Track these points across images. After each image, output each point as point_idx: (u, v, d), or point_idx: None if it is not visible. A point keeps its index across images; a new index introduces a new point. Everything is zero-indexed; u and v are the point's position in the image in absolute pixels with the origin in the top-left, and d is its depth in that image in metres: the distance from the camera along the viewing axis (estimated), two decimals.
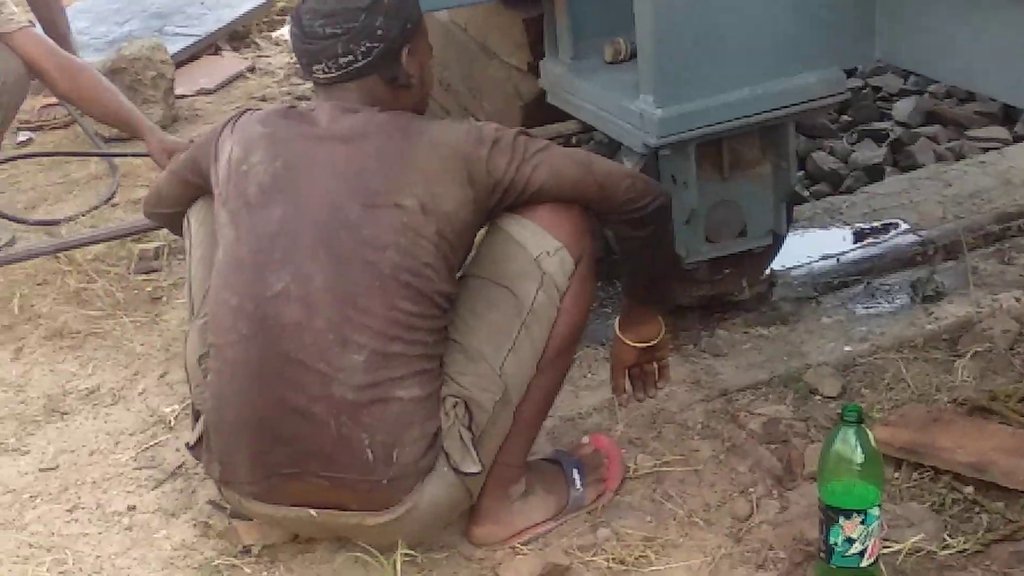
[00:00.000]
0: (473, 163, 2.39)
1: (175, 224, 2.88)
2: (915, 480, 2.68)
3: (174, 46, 5.51)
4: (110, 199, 4.42)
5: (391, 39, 2.47)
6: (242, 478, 2.45)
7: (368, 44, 2.45)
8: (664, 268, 2.73)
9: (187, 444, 2.65)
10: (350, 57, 2.45)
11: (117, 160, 4.70)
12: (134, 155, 4.70)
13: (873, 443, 2.41)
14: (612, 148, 3.09)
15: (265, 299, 2.36)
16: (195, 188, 2.71)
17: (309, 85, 2.56)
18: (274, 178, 2.41)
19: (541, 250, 2.46)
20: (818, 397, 3.02)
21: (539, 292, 2.46)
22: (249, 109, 2.62)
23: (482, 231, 2.53)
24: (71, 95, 4.05)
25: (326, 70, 2.46)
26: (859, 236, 3.74)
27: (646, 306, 2.73)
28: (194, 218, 2.73)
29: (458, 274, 2.47)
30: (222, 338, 2.43)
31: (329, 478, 2.37)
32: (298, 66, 2.54)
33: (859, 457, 2.38)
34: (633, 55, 3.04)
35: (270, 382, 2.36)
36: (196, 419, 2.60)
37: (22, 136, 5.03)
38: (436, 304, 2.38)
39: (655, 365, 2.80)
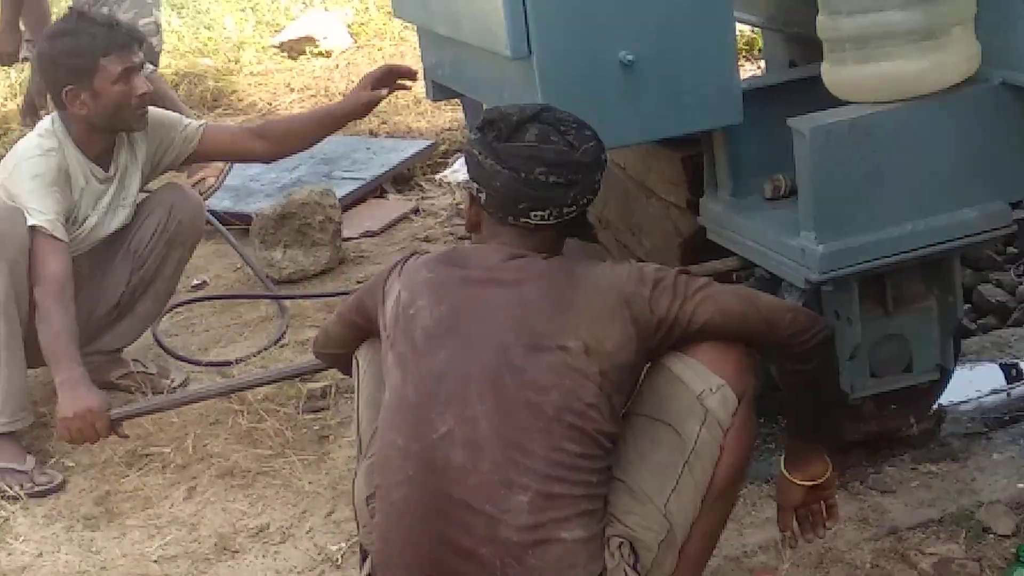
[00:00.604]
0: (636, 303, 2.39)
1: (343, 364, 2.92)
2: None
3: (341, 190, 5.63)
4: (279, 340, 4.51)
5: (596, 194, 2.53)
6: None
7: (589, 198, 2.50)
8: (829, 403, 2.69)
9: None
10: (573, 208, 2.48)
11: (286, 302, 4.80)
12: (303, 296, 4.82)
13: None
14: (774, 284, 3.08)
15: (431, 441, 2.38)
16: (362, 330, 2.75)
17: (490, 222, 2.55)
18: (439, 322, 2.44)
19: (704, 387, 2.45)
20: (991, 536, 2.94)
21: (702, 430, 2.44)
22: (416, 253, 2.66)
23: (645, 370, 2.53)
24: (278, 152, 4.26)
25: (545, 217, 2.47)
26: None
27: (811, 443, 2.69)
28: (362, 359, 2.77)
29: (621, 413, 2.46)
30: (389, 479, 2.44)
31: None
32: (491, 201, 2.49)
33: None
34: (793, 191, 3.04)
35: (436, 523, 2.37)
36: (364, 559, 2.62)
37: (196, 280, 5.15)
38: (599, 444, 2.37)
39: (822, 504, 2.75)
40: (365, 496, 2.59)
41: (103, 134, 3.89)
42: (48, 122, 3.91)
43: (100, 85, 3.75)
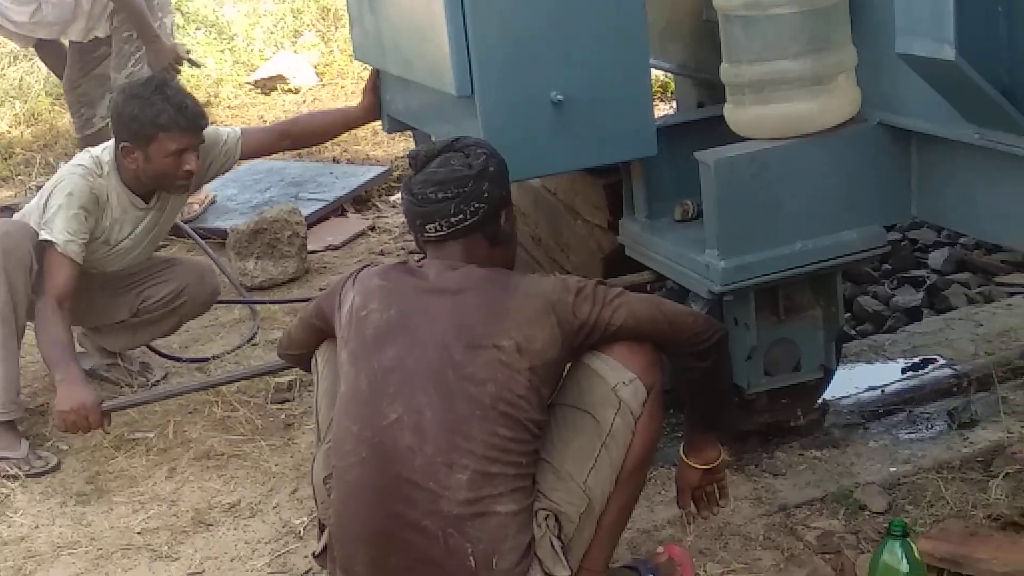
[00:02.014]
0: (560, 309, 2.41)
1: (304, 363, 2.91)
2: None
3: (307, 209, 5.62)
4: (251, 339, 4.50)
5: (493, 202, 2.52)
6: None
7: (476, 205, 2.50)
8: (723, 396, 2.72)
9: (313, 553, 2.66)
10: (460, 216, 2.49)
11: (258, 306, 4.79)
12: (272, 302, 4.80)
13: (917, 554, 2.37)
14: (682, 295, 3.10)
15: (381, 427, 2.38)
16: (321, 333, 2.75)
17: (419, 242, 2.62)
18: (389, 323, 2.45)
19: (618, 380, 2.47)
20: (867, 512, 2.97)
21: (616, 417, 2.47)
22: (368, 265, 2.66)
23: (568, 366, 2.55)
24: (301, 146, 4.32)
25: (438, 228, 2.51)
26: (901, 370, 3.70)
27: (707, 431, 2.71)
28: (320, 357, 2.77)
29: (547, 403, 2.48)
30: (344, 461, 2.44)
31: None
32: (409, 227, 2.59)
33: (904, 567, 2.35)
34: (699, 214, 3.06)
35: (386, 499, 2.37)
36: (321, 531, 2.61)
37: None
38: (529, 430, 2.38)
39: (715, 486, 2.77)
40: (323, 476, 2.58)
41: (148, 185, 3.80)
42: (105, 153, 3.79)
43: (154, 154, 3.65)
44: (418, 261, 2.59)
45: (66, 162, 3.94)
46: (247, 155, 4.08)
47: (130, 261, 3.94)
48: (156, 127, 3.61)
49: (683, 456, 2.73)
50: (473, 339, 2.37)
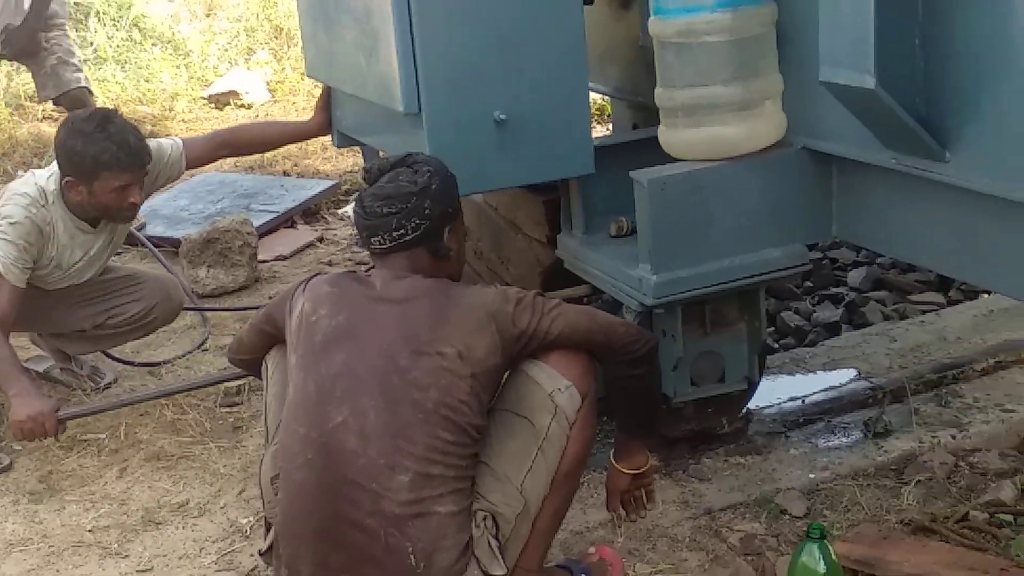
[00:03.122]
0: (500, 318, 2.41)
1: (254, 368, 2.88)
2: None
3: (258, 220, 5.59)
4: (202, 345, 4.45)
5: (435, 218, 2.51)
6: None
7: (417, 221, 2.49)
8: (653, 404, 2.73)
9: (259, 551, 2.64)
10: (402, 231, 2.49)
11: (208, 313, 4.74)
12: (222, 309, 4.76)
13: (833, 556, 2.39)
14: (616, 307, 3.10)
15: (327, 430, 2.37)
16: (271, 338, 2.73)
17: (367, 253, 2.61)
18: (337, 330, 2.44)
19: (554, 387, 2.48)
20: (787, 516, 2.99)
21: (552, 422, 2.47)
22: (318, 273, 2.66)
23: (507, 373, 2.54)
24: (243, 154, 4.26)
25: (381, 242, 2.51)
26: (820, 382, 3.73)
27: (636, 438, 2.72)
28: (271, 362, 2.75)
29: (487, 408, 2.47)
30: (291, 462, 2.43)
31: None
32: (358, 238, 2.59)
33: (822, 568, 2.37)
34: (633, 231, 3.07)
35: (330, 499, 2.36)
36: (268, 530, 2.59)
37: None
38: (469, 434, 2.38)
39: (643, 491, 2.78)
40: (270, 477, 2.57)
41: (93, 215, 3.69)
42: (50, 181, 3.66)
43: (98, 189, 3.55)
44: (367, 271, 2.58)
45: (24, 171, 3.86)
46: (190, 166, 3.95)
47: (89, 276, 3.87)
48: (98, 165, 3.50)
49: (613, 461, 2.73)
50: (418, 346, 2.37)
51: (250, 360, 2.87)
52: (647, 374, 2.59)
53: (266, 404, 2.72)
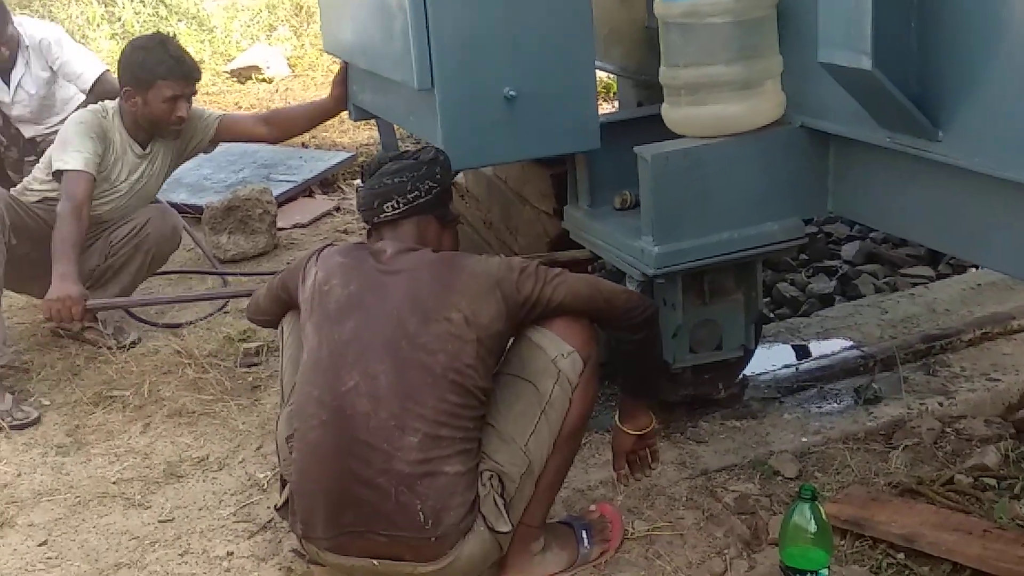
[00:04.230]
0: (505, 285, 2.41)
1: (270, 326, 2.90)
2: (857, 547, 2.65)
3: (277, 189, 5.57)
4: (223, 308, 4.45)
5: (445, 184, 2.54)
6: (319, 534, 2.44)
7: (429, 184, 2.53)
8: (654, 367, 2.73)
9: (275, 506, 2.65)
10: (416, 192, 2.51)
11: (229, 277, 4.75)
12: (243, 274, 4.76)
13: (824, 516, 2.39)
14: (618, 276, 3.10)
15: (340, 393, 2.37)
16: (284, 304, 2.73)
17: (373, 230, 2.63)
18: (349, 298, 2.44)
19: (557, 353, 2.48)
20: (780, 478, 2.99)
21: (555, 386, 2.47)
22: (331, 244, 2.66)
23: (512, 339, 2.54)
24: (280, 137, 4.25)
25: (395, 206, 2.52)
26: (813, 350, 3.73)
27: (639, 399, 2.72)
28: (287, 326, 2.75)
29: (493, 373, 2.47)
30: (305, 423, 2.44)
31: (389, 536, 2.36)
32: (364, 217, 2.60)
33: (812, 527, 2.36)
34: (636, 204, 3.06)
35: (343, 458, 2.36)
36: (283, 486, 2.60)
37: None
38: (476, 397, 2.39)
39: (647, 450, 2.79)
40: (286, 436, 2.57)
41: (145, 129, 3.97)
42: (111, 103, 3.98)
43: (152, 99, 3.86)
44: (376, 243, 2.58)
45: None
46: (225, 136, 4.16)
47: (121, 210, 4.02)
48: (155, 75, 3.82)
49: (618, 423, 2.73)
50: (425, 312, 2.37)
51: (265, 321, 2.89)
52: (648, 339, 2.59)
53: (282, 367, 2.72)
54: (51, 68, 5.32)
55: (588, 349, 2.51)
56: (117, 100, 3.96)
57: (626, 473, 2.79)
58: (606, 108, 6.14)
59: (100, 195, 3.92)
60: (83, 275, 3.97)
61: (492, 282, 2.41)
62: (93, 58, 5.50)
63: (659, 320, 2.67)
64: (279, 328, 2.79)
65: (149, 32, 4.45)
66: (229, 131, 4.15)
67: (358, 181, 5.92)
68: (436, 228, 2.57)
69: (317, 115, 4.16)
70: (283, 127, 4.21)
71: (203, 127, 4.09)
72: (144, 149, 4.00)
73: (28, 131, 5.47)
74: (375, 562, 2.41)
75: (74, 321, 3.63)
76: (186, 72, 3.88)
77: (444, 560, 2.38)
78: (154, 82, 3.83)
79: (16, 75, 5.30)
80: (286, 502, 2.53)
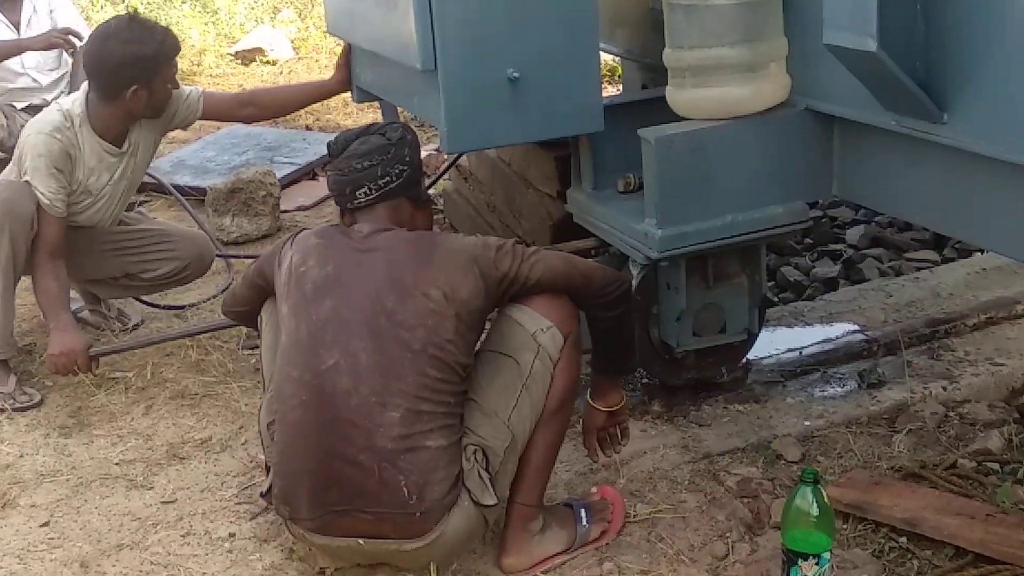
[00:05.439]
0: (482, 262, 2.43)
1: (245, 320, 2.92)
2: (859, 531, 2.65)
3: (281, 172, 5.57)
4: (225, 290, 4.44)
5: (414, 165, 2.56)
6: (304, 515, 2.45)
7: (400, 168, 2.53)
8: (628, 343, 2.71)
9: (260, 492, 2.66)
10: (387, 178, 2.52)
11: (232, 260, 4.74)
12: (246, 256, 4.76)
13: (826, 500, 2.39)
14: (621, 260, 3.10)
15: (320, 372, 2.39)
16: (262, 291, 2.74)
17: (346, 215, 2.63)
18: (326, 278, 2.45)
19: (537, 328, 2.49)
20: (782, 461, 2.99)
21: (535, 361, 2.49)
22: (304, 228, 2.67)
23: (492, 316, 2.56)
24: (263, 117, 4.06)
25: (368, 192, 2.52)
26: (817, 334, 3.72)
27: (611, 376, 2.73)
28: (265, 314, 2.76)
29: (474, 349, 2.49)
30: (286, 404, 2.45)
31: (373, 513, 2.38)
32: (337, 202, 2.59)
33: (815, 511, 2.36)
34: (640, 187, 3.05)
35: (325, 437, 2.38)
36: (267, 472, 2.61)
37: None
38: (456, 372, 2.41)
39: (616, 428, 2.79)
40: (267, 423, 2.59)
41: (128, 122, 3.65)
42: (76, 106, 3.59)
43: (158, 85, 3.55)
44: (352, 225, 2.58)
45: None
46: (209, 115, 3.91)
47: (116, 211, 3.83)
48: (161, 56, 3.51)
49: (589, 400, 2.74)
50: (404, 289, 2.39)
51: (243, 312, 2.89)
52: (622, 315, 2.60)
53: (263, 355, 2.74)
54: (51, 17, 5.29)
55: (568, 324, 2.52)
56: (82, 103, 3.58)
57: (596, 450, 2.80)
58: (611, 91, 6.12)
59: (84, 207, 3.69)
60: (99, 281, 3.97)
61: (469, 259, 2.43)
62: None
63: (661, 306, 2.66)
64: (258, 318, 2.79)
65: (151, 16, 4.19)
66: (210, 109, 3.88)
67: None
68: (410, 209, 2.58)
69: (314, 94, 4.03)
70: (265, 107, 4.00)
71: (184, 106, 3.78)
72: (121, 147, 3.68)
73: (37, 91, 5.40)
74: (360, 541, 2.43)
75: (80, 373, 3.53)
76: (175, 39, 3.60)
77: (429, 536, 2.40)
78: (159, 67, 3.51)
79: (25, 14, 5.28)
80: (270, 488, 2.54)
